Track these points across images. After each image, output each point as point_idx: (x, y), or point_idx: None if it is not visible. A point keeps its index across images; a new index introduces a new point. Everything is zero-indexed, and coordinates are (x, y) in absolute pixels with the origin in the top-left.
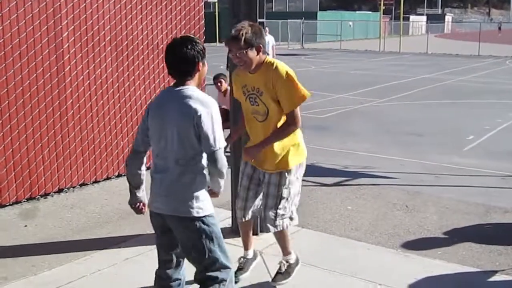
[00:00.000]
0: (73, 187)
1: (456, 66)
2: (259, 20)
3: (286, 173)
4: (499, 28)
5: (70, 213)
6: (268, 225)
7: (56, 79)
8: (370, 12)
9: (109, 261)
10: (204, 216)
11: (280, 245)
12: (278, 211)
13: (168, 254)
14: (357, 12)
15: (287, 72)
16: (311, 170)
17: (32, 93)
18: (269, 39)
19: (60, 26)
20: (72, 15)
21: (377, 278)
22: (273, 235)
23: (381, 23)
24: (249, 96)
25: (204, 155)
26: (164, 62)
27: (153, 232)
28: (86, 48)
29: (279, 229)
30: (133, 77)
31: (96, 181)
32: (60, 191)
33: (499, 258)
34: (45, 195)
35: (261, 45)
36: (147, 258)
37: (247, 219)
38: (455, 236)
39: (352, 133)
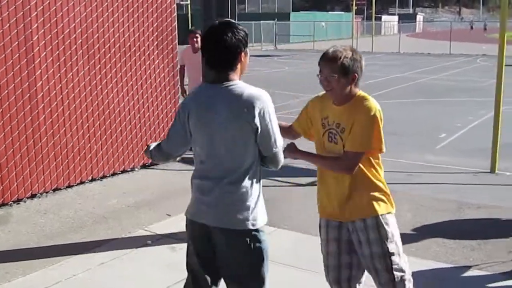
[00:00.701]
0: (46, 192)
1: (428, 65)
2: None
3: (381, 219)
4: (471, 27)
5: (44, 218)
6: None
7: (27, 83)
8: (343, 13)
9: (83, 266)
10: (257, 229)
11: None
12: (395, 273)
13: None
14: (329, 12)
15: (375, 111)
16: (286, 171)
17: (3, 98)
18: None
19: (30, 30)
20: (43, 18)
21: None
22: None
23: (353, 23)
24: (328, 131)
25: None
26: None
27: (127, 235)
28: (57, 52)
29: None
30: (105, 80)
31: (69, 186)
32: (33, 196)
33: (472, 253)
34: (18, 200)
35: (356, 75)
36: (121, 262)
37: None
38: (429, 233)
39: None
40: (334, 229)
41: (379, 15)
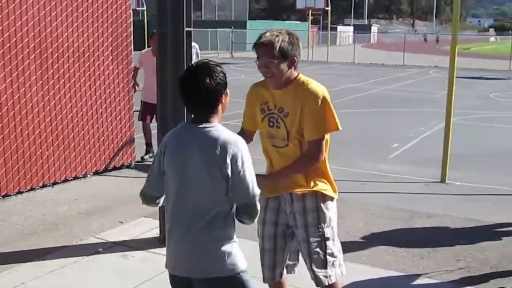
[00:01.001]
0: None
1: (382, 76)
2: (186, 28)
3: (322, 204)
4: (425, 39)
5: None
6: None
7: None
8: (299, 22)
9: (33, 274)
10: (239, 273)
11: None
12: (328, 257)
13: None
14: (286, 21)
15: (323, 94)
16: None
17: None
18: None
19: None
20: None
21: (301, 284)
22: None
23: (309, 32)
24: (268, 115)
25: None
26: (182, 93)
27: (78, 243)
28: (9, 55)
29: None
30: (58, 85)
31: (19, 192)
32: None
33: (422, 261)
34: None
35: (295, 58)
36: (71, 270)
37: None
38: (380, 241)
39: None
40: (273, 212)
41: (335, 26)
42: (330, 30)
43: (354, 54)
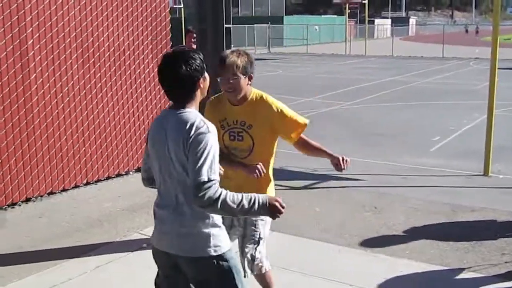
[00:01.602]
0: (41, 196)
1: (421, 68)
2: (226, 25)
3: None
4: (466, 31)
5: (39, 222)
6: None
7: (22, 87)
8: (336, 16)
9: (79, 269)
10: (221, 254)
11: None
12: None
13: None
14: (322, 16)
15: (281, 105)
16: (280, 174)
17: None
18: None
19: (25, 34)
20: (37, 22)
21: (347, 279)
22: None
23: (346, 26)
24: (229, 131)
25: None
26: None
27: (122, 239)
28: (52, 56)
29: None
30: (99, 83)
31: (64, 190)
32: (28, 200)
33: (466, 256)
34: (13, 204)
35: (252, 75)
36: (117, 266)
37: None
38: (423, 236)
39: (320, 136)
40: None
41: (372, 19)
42: (368, 23)
43: (392, 47)
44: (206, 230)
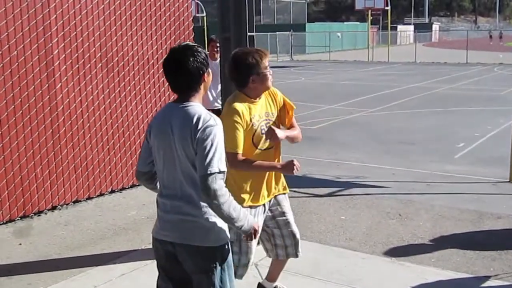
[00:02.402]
0: (67, 204)
1: (445, 74)
2: (249, 33)
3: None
4: (490, 36)
5: (64, 230)
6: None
7: (48, 96)
8: (358, 23)
9: (104, 277)
10: (221, 246)
11: (279, 272)
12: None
13: None
14: (345, 23)
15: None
16: (304, 181)
17: (24, 111)
18: None
19: (51, 44)
20: (63, 33)
21: (373, 287)
22: (277, 262)
23: (369, 33)
24: (260, 126)
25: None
26: (164, 76)
27: (147, 246)
28: (77, 65)
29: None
30: (124, 93)
31: (89, 198)
32: (53, 208)
33: (493, 263)
34: (39, 212)
35: None
36: (142, 273)
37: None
38: (449, 243)
39: (344, 143)
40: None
41: (395, 25)
42: (390, 29)
43: (415, 53)
44: (209, 221)
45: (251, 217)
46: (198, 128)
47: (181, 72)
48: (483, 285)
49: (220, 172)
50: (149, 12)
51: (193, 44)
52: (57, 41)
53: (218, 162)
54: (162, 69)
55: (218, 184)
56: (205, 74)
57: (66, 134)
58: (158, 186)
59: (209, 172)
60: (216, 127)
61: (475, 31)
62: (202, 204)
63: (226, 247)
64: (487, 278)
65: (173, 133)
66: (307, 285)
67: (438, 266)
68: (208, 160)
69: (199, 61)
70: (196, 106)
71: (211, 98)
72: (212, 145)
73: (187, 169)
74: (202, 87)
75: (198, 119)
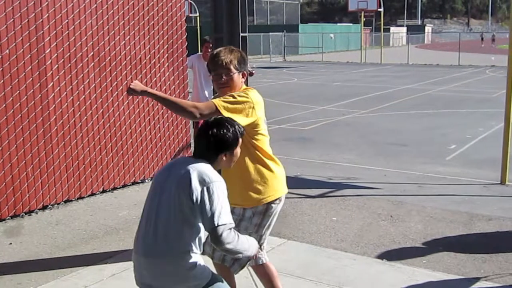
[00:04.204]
0: (58, 204)
1: (437, 76)
2: (242, 34)
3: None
4: (482, 39)
5: (55, 229)
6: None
7: (40, 95)
8: (351, 24)
9: (95, 277)
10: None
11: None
12: None
13: None
14: (338, 24)
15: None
16: (295, 182)
17: (15, 110)
18: None
19: (43, 43)
20: (55, 32)
21: None
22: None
23: (362, 34)
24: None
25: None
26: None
27: None
28: (69, 64)
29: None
30: (116, 92)
31: (80, 197)
32: (44, 207)
33: (483, 265)
34: (30, 212)
35: (245, 72)
36: (133, 274)
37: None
38: (440, 245)
39: (336, 144)
40: None
41: (388, 27)
42: (383, 31)
43: (408, 55)
44: (189, 269)
45: (254, 241)
46: (199, 182)
47: (207, 141)
48: (473, 286)
49: (223, 224)
50: (142, 12)
51: (226, 121)
52: (49, 40)
53: (221, 216)
54: (154, 69)
55: (225, 234)
56: (225, 155)
57: (57, 133)
58: None
59: (212, 227)
60: (217, 183)
61: (467, 33)
62: (183, 252)
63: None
64: (477, 279)
65: (172, 183)
66: (298, 286)
67: (429, 267)
68: (212, 215)
69: (224, 140)
70: (203, 164)
71: (203, 98)
72: (213, 200)
73: (177, 221)
74: (218, 161)
75: (200, 174)
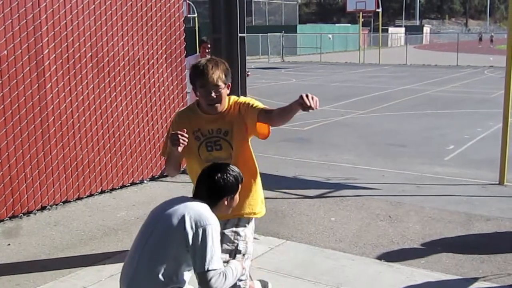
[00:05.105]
0: (56, 205)
1: (435, 77)
2: (240, 34)
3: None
4: (480, 39)
5: (54, 230)
6: None
7: (38, 96)
8: (349, 25)
9: (94, 278)
10: None
11: None
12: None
13: None
14: (336, 24)
15: (249, 99)
16: (294, 183)
17: (14, 111)
18: None
19: (41, 44)
20: (53, 33)
21: None
22: None
23: (360, 35)
24: (205, 141)
25: (187, 272)
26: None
27: None
28: (68, 65)
29: None
30: (114, 93)
31: (79, 198)
32: (43, 208)
33: (482, 265)
34: (28, 213)
35: (229, 84)
36: None
37: None
38: (438, 245)
39: (334, 145)
40: None
41: (386, 27)
42: (381, 32)
43: (406, 56)
44: None
45: (238, 265)
46: (196, 225)
47: (207, 186)
48: (471, 286)
49: (213, 270)
50: (140, 13)
51: (230, 168)
52: (47, 41)
53: (211, 260)
54: (152, 70)
55: (215, 278)
56: (226, 199)
57: (56, 134)
58: None
59: (203, 270)
60: (213, 224)
61: (465, 34)
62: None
63: None
64: (475, 280)
65: (166, 220)
66: (296, 286)
67: (428, 267)
68: (202, 259)
69: (226, 186)
70: (201, 205)
71: None
72: (206, 243)
73: (162, 253)
74: (219, 206)
75: (197, 214)
